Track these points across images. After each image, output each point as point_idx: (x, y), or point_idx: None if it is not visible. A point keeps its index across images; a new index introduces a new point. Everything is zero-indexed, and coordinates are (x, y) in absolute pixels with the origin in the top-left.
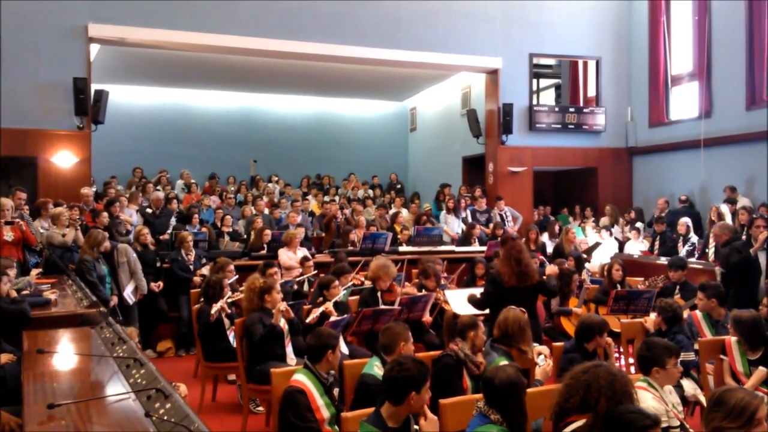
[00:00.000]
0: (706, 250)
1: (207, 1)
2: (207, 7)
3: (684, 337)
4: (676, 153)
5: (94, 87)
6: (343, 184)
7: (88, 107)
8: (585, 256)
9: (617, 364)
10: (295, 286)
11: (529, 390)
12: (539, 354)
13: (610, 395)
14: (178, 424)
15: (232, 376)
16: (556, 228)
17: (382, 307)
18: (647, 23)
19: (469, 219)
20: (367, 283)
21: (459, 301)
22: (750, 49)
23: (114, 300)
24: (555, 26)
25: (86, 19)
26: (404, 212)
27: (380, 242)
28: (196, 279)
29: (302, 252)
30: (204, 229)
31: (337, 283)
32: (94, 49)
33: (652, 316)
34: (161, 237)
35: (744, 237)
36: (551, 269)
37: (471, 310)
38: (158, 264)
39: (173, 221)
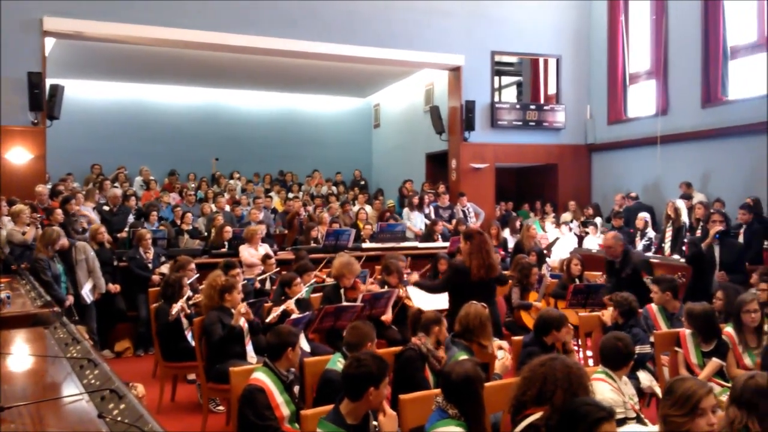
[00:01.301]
0: (662, 245)
1: None
2: (167, 1)
3: (640, 330)
4: (634, 150)
5: (50, 82)
6: (306, 181)
7: (43, 102)
8: (546, 251)
9: (576, 357)
10: (257, 284)
11: (487, 384)
12: (499, 348)
13: (566, 387)
14: (132, 425)
15: (191, 376)
16: (517, 224)
17: (345, 303)
18: (606, 22)
19: (433, 215)
20: (329, 281)
21: (421, 297)
22: (705, 48)
23: (70, 299)
24: (516, 24)
25: (41, 12)
26: (368, 209)
27: (343, 239)
28: (155, 278)
29: (264, 249)
30: (162, 227)
31: (299, 280)
32: (50, 42)
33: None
34: (118, 235)
35: (700, 232)
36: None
37: (433, 305)
38: (115, 263)
39: (131, 219)
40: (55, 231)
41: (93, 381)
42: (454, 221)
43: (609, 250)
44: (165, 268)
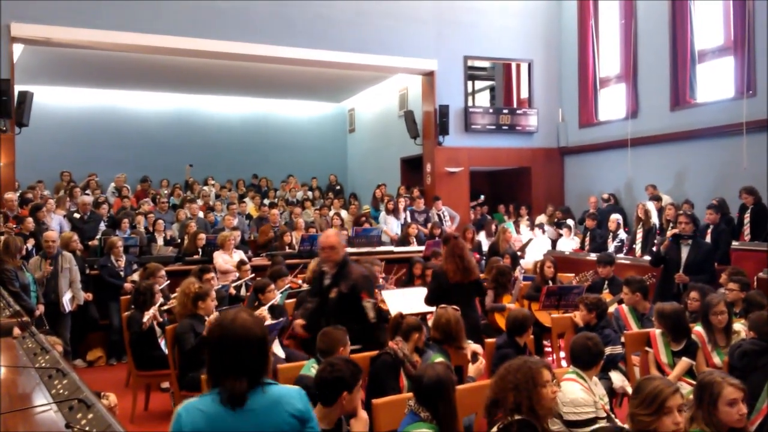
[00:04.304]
0: (634, 246)
1: (136, 0)
2: (136, 6)
3: (611, 331)
4: (605, 152)
5: (18, 88)
6: (281, 186)
7: (12, 109)
8: (519, 253)
9: (549, 358)
10: (232, 291)
11: (460, 386)
12: (474, 353)
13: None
14: None
15: (165, 384)
16: (493, 227)
17: None
18: (576, 27)
19: (408, 220)
20: (305, 286)
21: (396, 301)
22: (674, 52)
23: (40, 309)
24: (488, 29)
25: (8, 18)
26: (343, 213)
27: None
28: (127, 285)
29: (239, 255)
30: (134, 234)
31: (272, 286)
32: (18, 49)
33: None
34: (90, 243)
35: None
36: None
37: (408, 309)
38: (87, 271)
39: (102, 226)
40: (19, 239)
41: (61, 391)
42: (429, 225)
43: (331, 253)
44: (137, 276)
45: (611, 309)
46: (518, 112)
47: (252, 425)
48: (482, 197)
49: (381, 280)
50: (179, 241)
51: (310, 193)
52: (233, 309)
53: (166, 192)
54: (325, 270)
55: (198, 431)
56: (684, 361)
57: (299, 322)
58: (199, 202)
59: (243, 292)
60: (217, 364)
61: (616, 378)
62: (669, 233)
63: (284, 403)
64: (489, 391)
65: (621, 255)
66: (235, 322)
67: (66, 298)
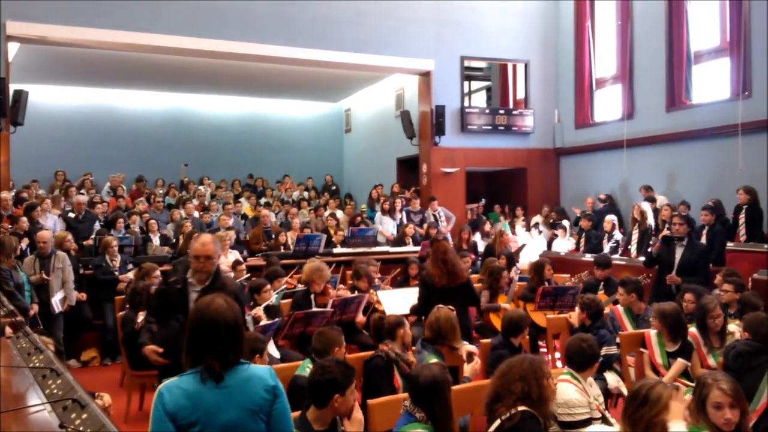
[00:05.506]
0: (629, 247)
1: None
2: (133, 5)
3: (606, 331)
4: (601, 153)
5: (13, 87)
6: (277, 186)
7: (7, 108)
8: (514, 256)
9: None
10: None
11: (455, 387)
12: (469, 353)
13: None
14: None
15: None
16: (487, 227)
17: (315, 309)
18: (573, 28)
19: (404, 220)
20: (300, 286)
21: (392, 301)
22: (669, 53)
23: (34, 308)
24: (485, 30)
25: (3, 17)
26: (339, 214)
27: (314, 244)
28: (123, 276)
29: (234, 256)
30: (129, 234)
31: (268, 287)
32: (13, 47)
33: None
34: (84, 242)
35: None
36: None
37: (403, 310)
38: (81, 271)
39: (97, 226)
40: (14, 238)
41: (55, 391)
42: (425, 225)
43: (206, 263)
44: (132, 275)
45: (606, 310)
46: (514, 112)
47: (230, 399)
48: (483, 201)
49: (377, 280)
50: (174, 240)
51: (306, 193)
52: (211, 295)
53: (161, 192)
54: (191, 282)
55: (181, 407)
56: (679, 362)
57: (152, 348)
58: (195, 201)
59: None
60: (195, 344)
61: (611, 378)
62: (660, 235)
63: (258, 379)
64: (489, 387)
65: (616, 256)
66: (210, 307)
67: (56, 299)
